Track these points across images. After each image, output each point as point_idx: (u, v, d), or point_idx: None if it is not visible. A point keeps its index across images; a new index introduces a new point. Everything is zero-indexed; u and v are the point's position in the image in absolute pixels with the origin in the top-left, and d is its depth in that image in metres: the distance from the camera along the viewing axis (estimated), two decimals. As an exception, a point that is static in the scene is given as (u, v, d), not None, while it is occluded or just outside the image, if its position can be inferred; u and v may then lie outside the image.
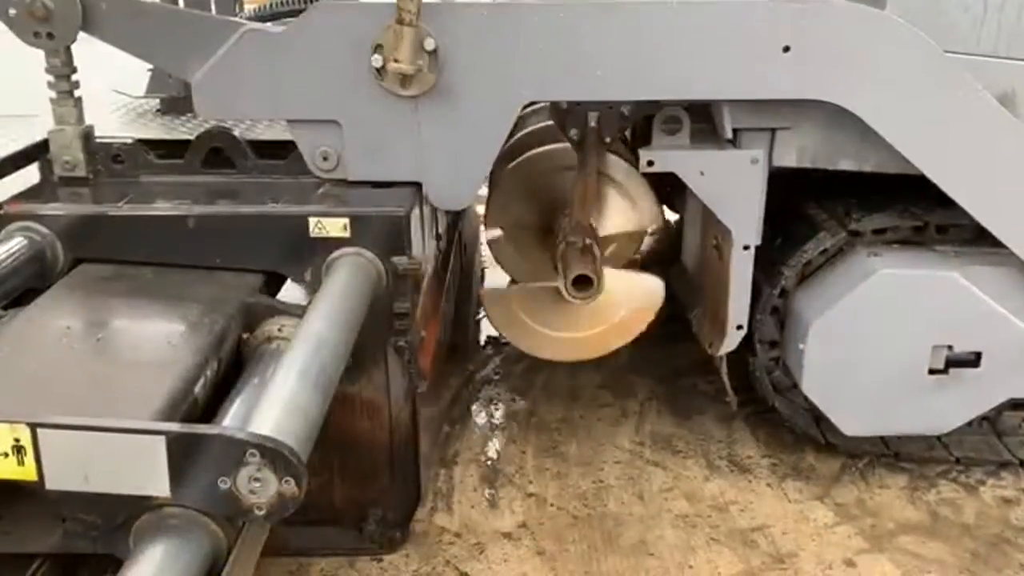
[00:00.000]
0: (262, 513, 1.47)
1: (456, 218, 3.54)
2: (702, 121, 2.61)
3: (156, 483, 1.47)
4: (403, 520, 2.58)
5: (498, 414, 3.30)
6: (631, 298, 2.91)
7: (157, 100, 3.02)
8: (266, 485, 1.47)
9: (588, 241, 2.74)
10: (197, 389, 1.85)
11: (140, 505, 1.49)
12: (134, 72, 3.14)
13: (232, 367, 2.09)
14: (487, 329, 3.99)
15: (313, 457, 2.38)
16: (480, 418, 3.27)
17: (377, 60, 2.27)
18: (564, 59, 2.33)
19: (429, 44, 2.27)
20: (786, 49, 2.31)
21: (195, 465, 1.46)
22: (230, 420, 1.79)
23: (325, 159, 2.43)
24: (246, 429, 1.49)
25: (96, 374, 1.78)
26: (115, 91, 3.14)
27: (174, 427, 1.48)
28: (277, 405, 1.57)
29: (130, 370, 1.83)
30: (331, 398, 1.79)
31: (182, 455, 1.46)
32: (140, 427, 1.46)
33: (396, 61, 2.24)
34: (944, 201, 2.52)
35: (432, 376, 2.59)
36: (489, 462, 3.00)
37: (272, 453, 1.45)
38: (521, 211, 3.08)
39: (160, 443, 1.45)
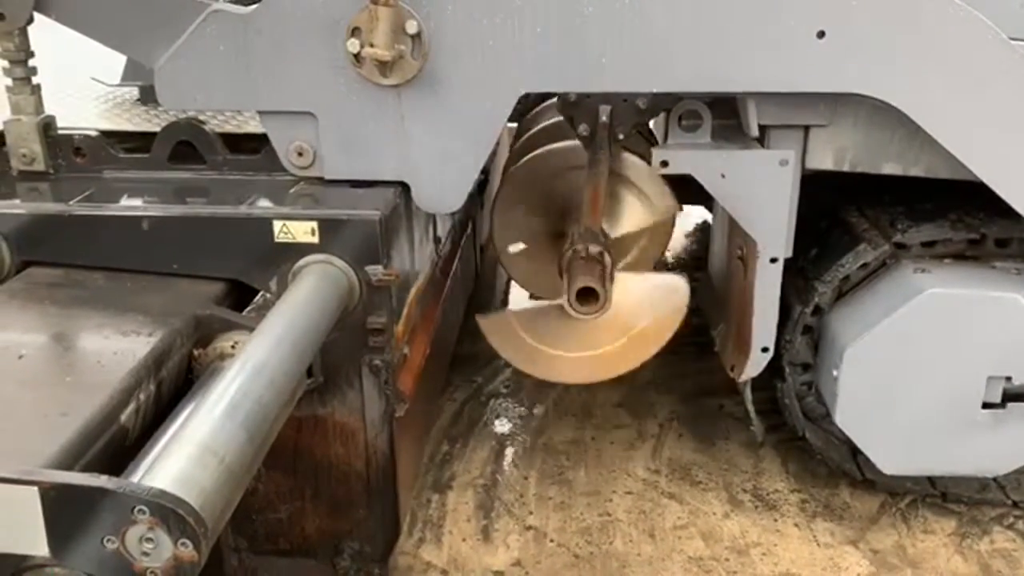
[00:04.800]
0: (156, 579, 1.24)
1: (467, 216, 3.30)
2: (725, 117, 2.32)
3: (32, 540, 1.24)
4: (381, 554, 2.33)
5: (503, 433, 3.04)
6: (651, 305, 2.58)
7: (137, 89, 2.81)
8: (160, 547, 1.23)
9: (597, 249, 2.46)
10: (124, 417, 1.62)
11: (17, 565, 1.27)
12: (119, 57, 2.93)
13: (183, 387, 1.87)
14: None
15: (283, 482, 2.25)
16: (483, 437, 3.01)
17: (354, 45, 2.02)
18: (565, 44, 2.05)
19: (411, 27, 2.02)
20: (821, 34, 2.00)
21: (77, 521, 1.23)
22: (151, 458, 1.55)
23: (300, 155, 2.20)
24: (137, 481, 1.25)
25: (2, 400, 1.57)
26: (93, 79, 2.94)
27: (50, 477, 1.25)
28: (186, 450, 1.33)
29: (44, 395, 1.60)
30: (269, 433, 1.57)
31: (61, 509, 1.23)
32: (9, 476, 1.23)
33: (372, 46, 1.98)
34: (1004, 211, 2.19)
35: (416, 395, 2.33)
36: (487, 488, 2.74)
37: (164, 511, 1.21)
38: (530, 217, 2.80)
39: (33, 495, 1.22)
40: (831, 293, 2.47)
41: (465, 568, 2.42)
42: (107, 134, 2.37)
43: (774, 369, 2.56)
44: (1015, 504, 2.59)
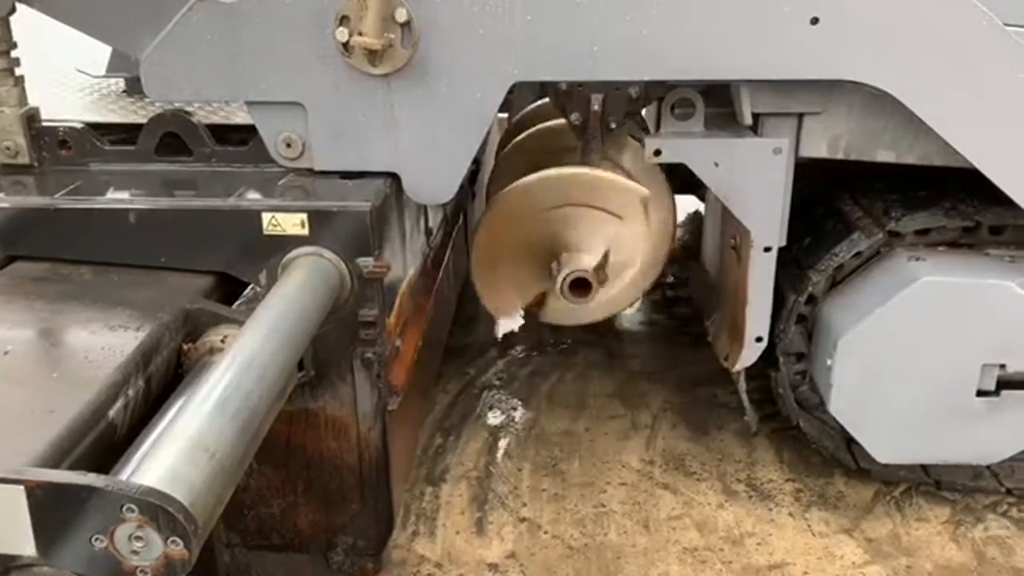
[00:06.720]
0: (146, 578, 1.22)
1: (458, 207, 3.27)
2: (718, 105, 2.30)
3: (19, 540, 1.22)
4: (375, 548, 2.31)
5: (496, 425, 3.03)
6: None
7: (122, 80, 2.77)
8: (150, 546, 1.21)
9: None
10: (112, 413, 1.60)
11: (4, 564, 1.25)
12: (104, 48, 2.89)
13: (172, 382, 1.85)
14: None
15: (275, 477, 2.23)
16: (476, 429, 3.00)
17: (342, 34, 1.99)
18: (557, 33, 2.03)
19: (401, 15, 1.99)
20: (814, 21, 1.98)
21: (65, 520, 1.21)
22: (140, 454, 1.53)
23: (288, 146, 2.17)
24: (126, 478, 1.23)
25: (-13, 398, 1.54)
26: (78, 70, 2.90)
27: (37, 475, 1.23)
28: (176, 446, 1.31)
29: (31, 392, 1.58)
30: (260, 428, 1.55)
31: (48, 508, 1.21)
32: (-5, 475, 1.21)
33: (361, 34, 1.96)
34: (999, 198, 2.18)
35: (408, 388, 2.32)
36: (480, 480, 2.72)
37: (153, 509, 1.19)
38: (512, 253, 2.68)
39: (20, 494, 1.20)
40: (825, 282, 2.46)
41: (459, 561, 2.40)
42: (93, 126, 2.33)
43: (768, 359, 2.55)
44: (1009, 492, 2.59)
